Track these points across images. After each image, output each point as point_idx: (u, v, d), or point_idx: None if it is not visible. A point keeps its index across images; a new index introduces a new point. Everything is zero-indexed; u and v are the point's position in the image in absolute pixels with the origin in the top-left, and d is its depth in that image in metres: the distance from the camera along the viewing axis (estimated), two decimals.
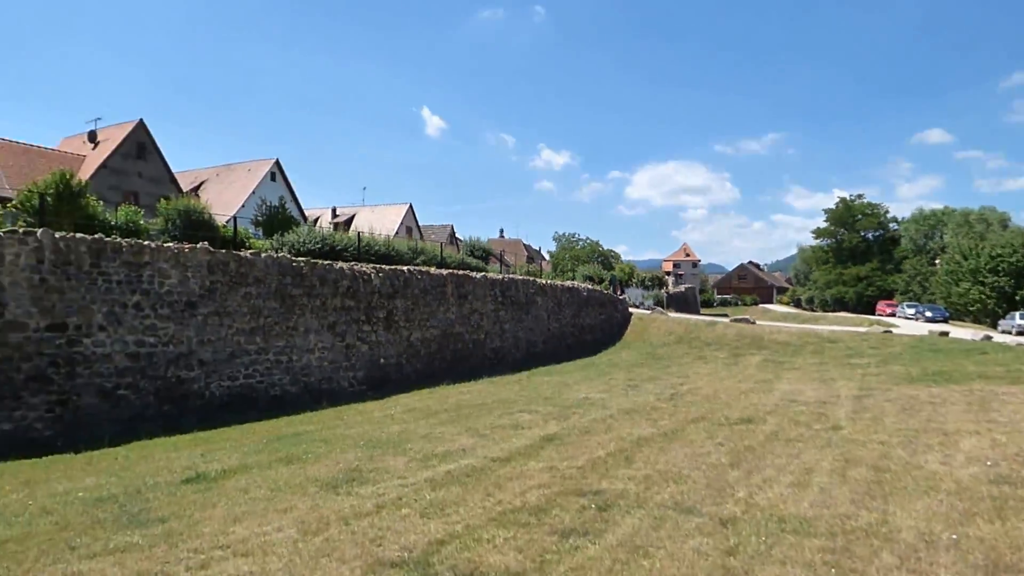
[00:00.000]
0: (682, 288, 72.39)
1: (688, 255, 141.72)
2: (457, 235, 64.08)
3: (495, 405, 13.56)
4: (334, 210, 64.42)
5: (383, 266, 18.57)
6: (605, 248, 71.21)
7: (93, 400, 11.38)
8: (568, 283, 31.07)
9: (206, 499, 7.00)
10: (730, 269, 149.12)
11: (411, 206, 63.36)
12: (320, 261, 16.51)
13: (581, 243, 71.26)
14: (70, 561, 5.30)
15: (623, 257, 77.48)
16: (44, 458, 9.44)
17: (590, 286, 33.34)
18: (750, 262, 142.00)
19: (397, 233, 51.16)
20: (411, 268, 19.52)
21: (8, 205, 16.28)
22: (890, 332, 28.61)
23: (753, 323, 32.42)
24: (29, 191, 15.80)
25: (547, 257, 79.27)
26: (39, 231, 11.14)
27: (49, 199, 15.21)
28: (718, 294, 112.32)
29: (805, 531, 5.91)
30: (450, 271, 21.25)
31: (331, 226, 42.61)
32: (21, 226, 12.20)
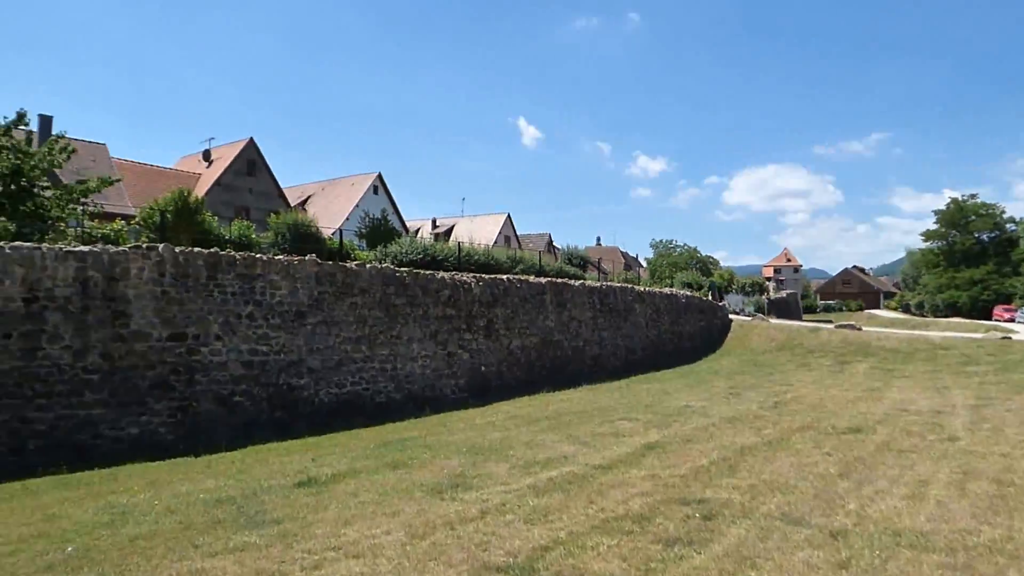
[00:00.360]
0: (783, 294, 69.57)
1: (789, 260, 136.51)
2: (555, 243, 64.14)
3: (595, 412, 13.37)
4: (434, 221, 65.93)
5: (483, 275, 18.73)
6: (703, 254, 69.54)
7: (211, 406, 11.96)
8: (666, 290, 30.42)
9: (318, 502, 7.17)
10: (833, 274, 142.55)
11: (509, 215, 64.03)
12: (422, 271, 16.82)
13: (679, 249, 69.85)
14: (194, 559, 5.51)
15: (722, 263, 75.49)
16: (167, 461, 9.96)
17: (689, 293, 32.54)
18: (854, 266, 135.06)
19: (495, 242, 51.80)
20: (510, 277, 19.60)
21: (132, 222, 17.50)
22: (1009, 338, 26.67)
23: (859, 329, 30.78)
24: (151, 208, 16.96)
25: (644, 264, 78.12)
26: (160, 246, 11.84)
27: (169, 215, 16.25)
28: (821, 300, 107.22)
29: (922, 546, 5.59)
30: (548, 279, 21.21)
31: (431, 237, 43.56)
32: (144, 241, 13.05)
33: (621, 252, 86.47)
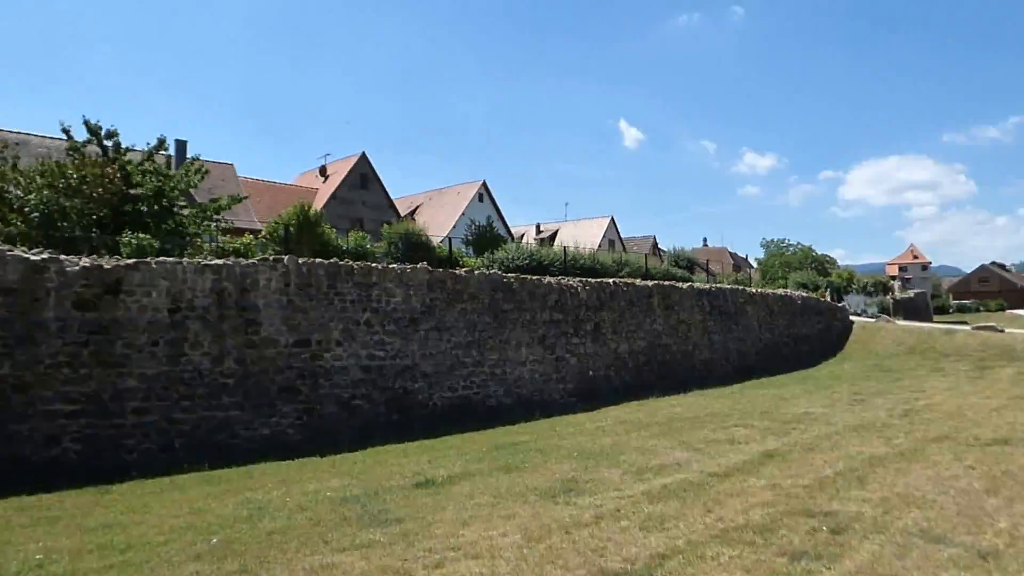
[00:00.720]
0: (911, 293, 65.21)
1: (916, 257, 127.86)
2: (660, 246, 63.15)
3: (707, 419, 13.06)
4: (538, 226, 66.41)
5: (589, 279, 18.72)
6: (819, 253, 66.24)
7: (333, 409, 12.58)
8: (780, 291, 29.30)
9: (436, 503, 7.42)
10: (968, 271, 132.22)
11: (612, 219, 63.71)
12: (528, 276, 17.01)
13: (792, 249, 66.87)
14: (324, 553, 5.85)
15: (839, 262, 71.55)
16: (296, 460, 10.52)
17: (804, 293, 31.17)
18: (993, 262, 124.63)
19: (600, 246, 51.60)
20: (616, 280, 19.48)
21: (259, 236, 18.67)
22: None
23: (1001, 331, 28.32)
24: (275, 223, 18.06)
25: (754, 265, 75.39)
26: (285, 258, 12.58)
27: (292, 229, 17.21)
28: (954, 300, 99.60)
29: None
30: (655, 282, 20.91)
31: (536, 242, 43.97)
32: (270, 254, 13.88)
33: (729, 253, 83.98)
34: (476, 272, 15.70)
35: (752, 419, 12.69)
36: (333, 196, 43.37)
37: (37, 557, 5.94)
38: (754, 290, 26.37)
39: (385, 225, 21.58)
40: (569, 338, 17.09)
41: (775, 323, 25.82)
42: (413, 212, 51.60)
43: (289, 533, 6.46)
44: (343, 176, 44.99)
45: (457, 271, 15.42)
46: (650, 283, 20.45)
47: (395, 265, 14.42)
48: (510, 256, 21.27)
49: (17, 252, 10.12)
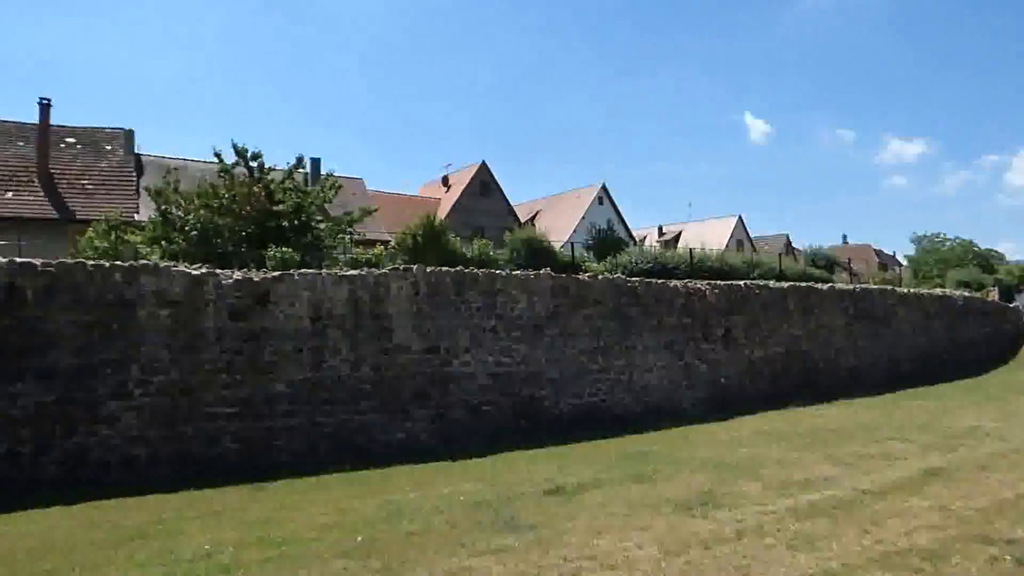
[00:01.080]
0: None
1: None
2: (793, 244, 60.15)
3: (856, 431, 12.22)
4: (660, 228, 65.23)
5: (717, 282, 18.06)
6: (982, 247, 60.73)
7: (462, 414, 12.81)
8: (936, 291, 27.07)
9: (568, 511, 7.35)
10: None
11: (740, 218, 61.58)
12: (653, 280, 16.63)
13: (948, 243, 61.74)
14: (461, 556, 5.93)
15: (1008, 257, 65.24)
16: (429, 464, 10.79)
17: (966, 293, 28.62)
18: None
19: (727, 247, 49.86)
20: (747, 283, 18.69)
21: (388, 247, 19.44)
22: None
23: None
24: (403, 233, 18.74)
25: (903, 263, 70.18)
26: (414, 267, 12.97)
27: (419, 239, 17.79)
28: None
29: None
30: (791, 284, 19.86)
31: (659, 244, 43.08)
32: (399, 264, 14.38)
33: (874, 250, 78.64)
34: (599, 277, 15.53)
35: (909, 432, 11.75)
36: (455, 205, 44.58)
37: (206, 547, 6.42)
38: (905, 290, 24.50)
39: (507, 232, 21.90)
40: (698, 344, 16.55)
41: (932, 327, 23.83)
42: (533, 218, 52.03)
43: (427, 535, 6.61)
44: (464, 185, 46.19)
45: (580, 276, 15.32)
46: (785, 285, 19.44)
47: (518, 272, 14.53)
48: (633, 260, 20.97)
49: (181, 267, 11.05)
